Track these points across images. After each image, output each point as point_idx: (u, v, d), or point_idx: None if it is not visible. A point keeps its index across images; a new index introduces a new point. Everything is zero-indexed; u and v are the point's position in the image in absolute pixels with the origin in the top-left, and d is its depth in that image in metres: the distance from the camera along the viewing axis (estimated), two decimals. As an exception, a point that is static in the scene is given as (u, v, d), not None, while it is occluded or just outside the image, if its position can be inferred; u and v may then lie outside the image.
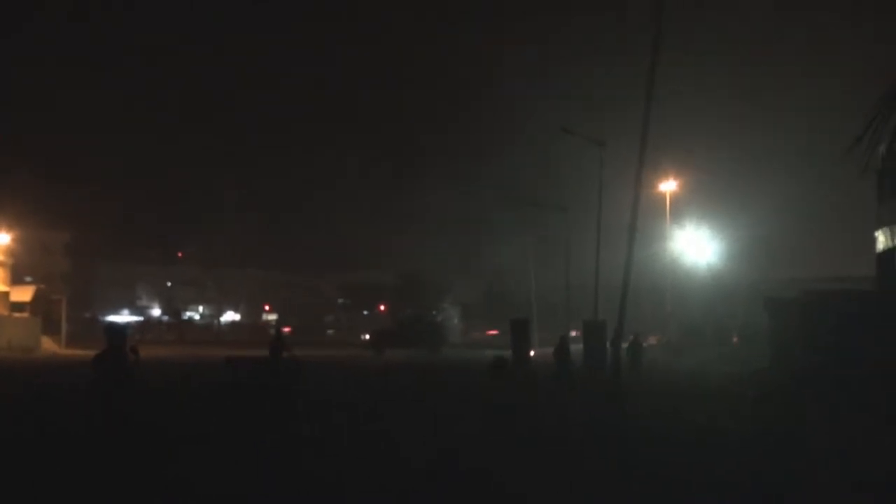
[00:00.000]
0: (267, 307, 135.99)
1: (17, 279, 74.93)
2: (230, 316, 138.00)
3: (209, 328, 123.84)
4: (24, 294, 72.81)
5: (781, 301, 42.97)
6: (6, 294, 70.96)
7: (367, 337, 79.36)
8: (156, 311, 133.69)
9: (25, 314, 71.82)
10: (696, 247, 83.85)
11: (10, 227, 74.44)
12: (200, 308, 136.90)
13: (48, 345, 71.97)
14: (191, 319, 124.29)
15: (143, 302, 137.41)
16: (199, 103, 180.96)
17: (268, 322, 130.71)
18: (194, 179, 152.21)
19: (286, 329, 46.59)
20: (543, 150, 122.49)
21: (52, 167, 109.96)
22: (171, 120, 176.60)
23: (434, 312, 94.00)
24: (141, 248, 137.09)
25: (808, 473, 17.26)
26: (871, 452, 19.65)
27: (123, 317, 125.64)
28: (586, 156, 60.88)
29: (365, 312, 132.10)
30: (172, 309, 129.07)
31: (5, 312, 69.22)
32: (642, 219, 39.11)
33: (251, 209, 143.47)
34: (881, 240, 46.41)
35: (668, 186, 79.87)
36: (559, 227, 74.34)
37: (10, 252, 74.34)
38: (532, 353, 52.69)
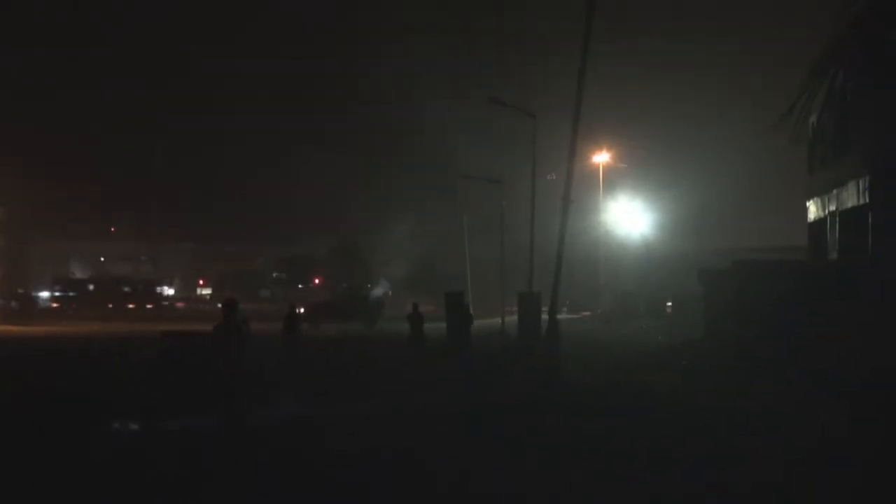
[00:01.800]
0: (202, 281, 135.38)
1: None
2: (164, 290, 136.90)
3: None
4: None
5: (715, 272, 43.39)
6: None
7: (303, 310, 79.22)
8: (90, 287, 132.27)
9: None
10: (629, 218, 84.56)
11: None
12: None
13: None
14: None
15: (77, 276, 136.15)
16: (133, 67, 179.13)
17: (202, 296, 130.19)
18: (128, 152, 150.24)
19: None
20: (475, 124, 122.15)
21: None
22: (105, 88, 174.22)
23: (369, 286, 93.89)
24: (74, 224, 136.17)
25: (744, 445, 17.52)
26: (803, 423, 19.96)
27: (56, 291, 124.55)
28: (519, 129, 61.02)
29: (300, 286, 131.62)
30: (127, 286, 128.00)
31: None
32: (577, 191, 39.41)
33: (186, 182, 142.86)
34: (812, 209, 47.07)
35: (602, 158, 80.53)
36: (494, 201, 74.35)
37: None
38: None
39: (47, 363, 37.46)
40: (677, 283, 67.82)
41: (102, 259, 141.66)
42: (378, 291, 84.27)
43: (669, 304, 72.95)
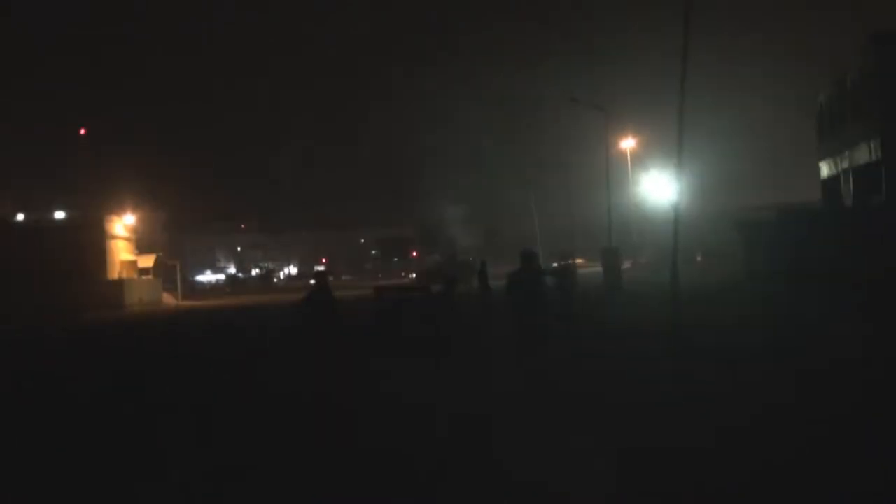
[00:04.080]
0: (324, 260, 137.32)
1: (139, 250, 75.88)
2: (288, 269, 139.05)
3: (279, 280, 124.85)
4: (147, 261, 73.81)
5: (750, 222, 44.05)
6: (134, 262, 71.91)
7: (414, 276, 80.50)
8: (231, 270, 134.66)
9: (150, 277, 72.90)
10: (659, 188, 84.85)
11: (133, 211, 75.65)
12: (266, 265, 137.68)
13: (168, 299, 73.26)
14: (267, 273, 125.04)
15: (221, 263, 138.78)
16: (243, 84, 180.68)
17: (320, 272, 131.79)
18: (256, 161, 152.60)
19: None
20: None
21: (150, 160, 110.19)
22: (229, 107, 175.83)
23: (463, 255, 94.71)
24: (216, 221, 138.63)
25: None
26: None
27: (207, 276, 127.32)
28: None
29: (395, 259, 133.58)
30: (258, 268, 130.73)
31: (135, 276, 70.21)
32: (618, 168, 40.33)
33: (298, 184, 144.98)
34: (825, 169, 47.66)
35: (628, 144, 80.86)
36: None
37: (134, 229, 75.34)
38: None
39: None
40: (704, 236, 67.98)
41: (239, 249, 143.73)
42: (472, 258, 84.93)
43: (699, 257, 73.36)
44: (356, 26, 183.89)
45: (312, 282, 18.15)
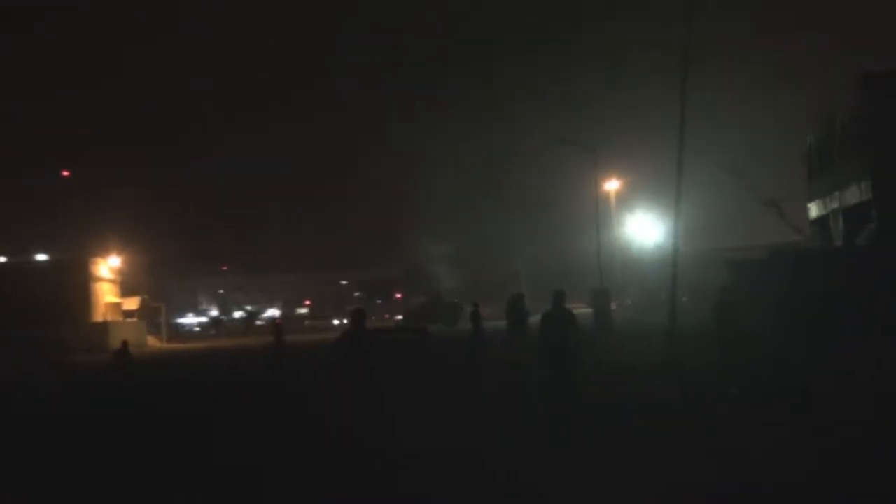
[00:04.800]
0: (307, 302, 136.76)
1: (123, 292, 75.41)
2: (271, 312, 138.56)
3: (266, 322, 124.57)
4: (132, 303, 73.51)
5: (739, 262, 43.93)
6: (119, 304, 71.50)
7: (400, 318, 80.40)
8: (214, 312, 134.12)
9: (134, 319, 72.45)
10: (644, 229, 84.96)
11: (118, 253, 75.22)
12: (248, 307, 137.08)
13: (153, 342, 72.73)
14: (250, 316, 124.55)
15: (204, 306, 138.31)
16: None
17: (303, 315, 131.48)
18: (236, 208, 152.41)
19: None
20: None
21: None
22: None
23: (448, 297, 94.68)
24: (198, 264, 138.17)
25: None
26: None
27: (189, 319, 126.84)
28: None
29: (378, 301, 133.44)
30: (242, 311, 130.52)
31: (119, 318, 69.75)
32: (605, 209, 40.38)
33: (280, 226, 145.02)
34: (814, 209, 47.77)
35: (612, 185, 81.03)
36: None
37: (119, 271, 74.90)
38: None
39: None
40: (685, 278, 67.91)
41: (221, 291, 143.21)
42: (456, 299, 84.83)
43: (684, 297, 73.28)
44: (343, 66, 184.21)
45: (340, 321, 17.97)
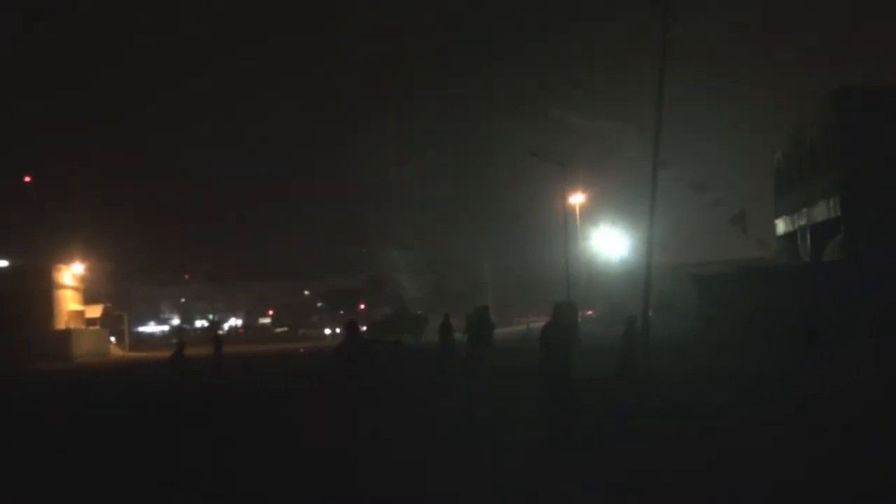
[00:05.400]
0: (271, 312, 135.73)
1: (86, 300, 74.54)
2: (233, 321, 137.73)
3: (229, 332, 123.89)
4: (94, 311, 72.66)
5: (706, 277, 44.14)
6: (82, 312, 70.70)
7: (364, 328, 79.88)
8: (175, 321, 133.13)
9: (97, 327, 71.68)
10: (610, 242, 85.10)
11: (81, 260, 74.39)
12: (210, 316, 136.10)
13: (115, 350, 72.02)
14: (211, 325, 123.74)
15: (166, 315, 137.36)
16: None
17: (265, 325, 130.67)
18: (201, 212, 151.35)
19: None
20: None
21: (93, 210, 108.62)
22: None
23: (410, 309, 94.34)
24: (161, 272, 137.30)
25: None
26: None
27: (151, 327, 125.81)
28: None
29: (341, 312, 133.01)
30: (203, 319, 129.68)
31: (82, 326, 68.96)
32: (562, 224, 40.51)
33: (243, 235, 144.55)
34: (781, 225, 48.05)
35: (577, 199, 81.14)
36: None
37: (82, 279, 74.06)
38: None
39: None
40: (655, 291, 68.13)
41: (183, 300, 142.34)
42: (421, 312, 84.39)
43: (651, 312, 73.41)
44: (309, 70, 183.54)
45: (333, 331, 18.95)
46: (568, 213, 52.11)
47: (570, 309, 46.05)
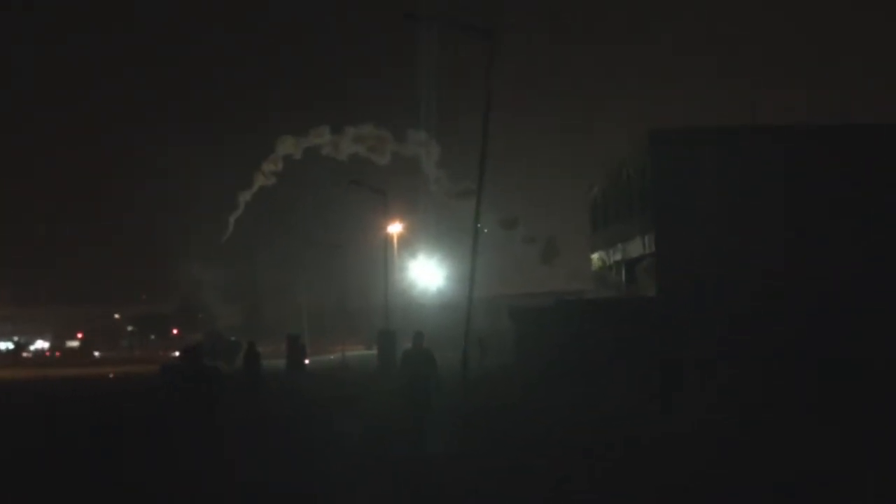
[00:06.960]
0: (80, 335, 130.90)
1: None
2: (40, 343, 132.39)
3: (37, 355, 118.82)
4: None
5: (523, 310, 44.08)
6: None
7: (178, 353, 77.52)
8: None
9: None
10: (427, 273, 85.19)
11: None
12: (15, 338, 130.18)
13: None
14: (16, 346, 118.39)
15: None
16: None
17: (73, 348, 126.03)
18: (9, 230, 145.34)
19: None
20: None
21: None
22: None
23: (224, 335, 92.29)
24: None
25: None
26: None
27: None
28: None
29: (152, 337, 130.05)
30: (8, 340, 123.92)
31: None
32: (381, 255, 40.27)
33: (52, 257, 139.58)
34: (596, 259, 48.59)
35: (395, 228, 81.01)
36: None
37: None
38: (307, 361, 51.27)
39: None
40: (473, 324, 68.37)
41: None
42: (234, 338, 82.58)
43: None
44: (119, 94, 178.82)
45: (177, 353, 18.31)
46: (387, 242, 51.63)
47: (388, 337, 45.68)
